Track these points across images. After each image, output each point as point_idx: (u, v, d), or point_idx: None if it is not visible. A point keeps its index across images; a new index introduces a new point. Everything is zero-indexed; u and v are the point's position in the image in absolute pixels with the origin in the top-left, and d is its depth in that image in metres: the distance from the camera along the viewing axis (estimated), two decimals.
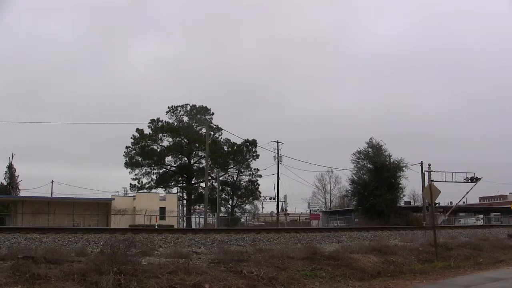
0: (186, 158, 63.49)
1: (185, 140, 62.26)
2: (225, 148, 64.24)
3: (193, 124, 63.38)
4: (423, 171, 48.78)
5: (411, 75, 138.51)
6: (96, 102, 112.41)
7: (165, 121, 62.09)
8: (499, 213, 69.21)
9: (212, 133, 60.12)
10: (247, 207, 73.24)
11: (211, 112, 63.99)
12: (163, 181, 63.11)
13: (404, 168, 52.50)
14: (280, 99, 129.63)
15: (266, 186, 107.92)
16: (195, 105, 64.04)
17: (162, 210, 52.04)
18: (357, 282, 11.86)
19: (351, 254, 13.79)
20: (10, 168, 57.67)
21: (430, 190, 17.53)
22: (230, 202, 66.96)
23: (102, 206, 50.89)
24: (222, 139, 64.31)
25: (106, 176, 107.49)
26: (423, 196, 40.78)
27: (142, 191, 60.00)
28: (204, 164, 50.20)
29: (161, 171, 63.74)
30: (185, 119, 63.99)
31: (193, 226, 54.85)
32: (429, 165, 49.13)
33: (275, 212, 61.80)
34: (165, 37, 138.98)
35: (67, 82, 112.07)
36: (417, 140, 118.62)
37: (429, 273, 13.85)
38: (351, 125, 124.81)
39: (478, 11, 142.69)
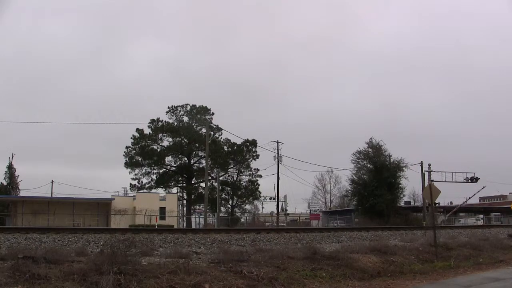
0: (186, 158, 63.53)
1: (185, 140, 62.29)
2: (225, 148, 64.32)
3: (193, 124, 63.43)
4: (423, 171, 48.88)
5: (411, 75, 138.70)
6: (96, 102, 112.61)
7: (165, 121, 62.24)
8: (499, 213, 69.32)
9: (212, 133, 60.15)
10: (247, 207, 73.39)
11: (211, 112, 64.19)
12: (163, 181, 63.18)
13: (404, 168, 52.61)
14: (280, 99, 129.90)
15: (266, 186, 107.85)
16: (195, 105, 64.19)
17: (162, 210, 52.06)
18: (357, 282, 11.85)
19: (351, 254, 13.77)
20: (10, 168, 57.77)
21: (430, 190, 17.52)
22: (230, 202, 67.02)
23: (102, 206, 50.90)
24: (222, 139, 64.51)
25: (106, 176, 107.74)
26: (423, 196, 40.79)
27: (142, 191, 60.12)
28: (204, 164, 50.23)
29: (161, 171, 63.82)
30: (185, 119, 64.16)
31: (193, 226, 54.85)
32: (429, 165, 49.27)
33: (275, 212, 61.82)
34: (165, 37, 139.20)
35: (67, 82, 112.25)
36: (417, 140, 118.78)
37: (429, 273, 13.83)
38: (351, 125, 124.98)
39: (478, 11, 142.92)
